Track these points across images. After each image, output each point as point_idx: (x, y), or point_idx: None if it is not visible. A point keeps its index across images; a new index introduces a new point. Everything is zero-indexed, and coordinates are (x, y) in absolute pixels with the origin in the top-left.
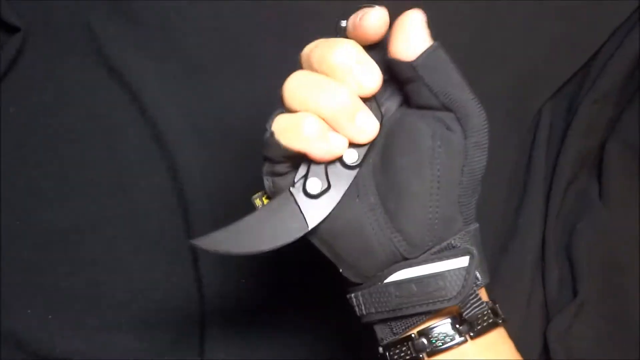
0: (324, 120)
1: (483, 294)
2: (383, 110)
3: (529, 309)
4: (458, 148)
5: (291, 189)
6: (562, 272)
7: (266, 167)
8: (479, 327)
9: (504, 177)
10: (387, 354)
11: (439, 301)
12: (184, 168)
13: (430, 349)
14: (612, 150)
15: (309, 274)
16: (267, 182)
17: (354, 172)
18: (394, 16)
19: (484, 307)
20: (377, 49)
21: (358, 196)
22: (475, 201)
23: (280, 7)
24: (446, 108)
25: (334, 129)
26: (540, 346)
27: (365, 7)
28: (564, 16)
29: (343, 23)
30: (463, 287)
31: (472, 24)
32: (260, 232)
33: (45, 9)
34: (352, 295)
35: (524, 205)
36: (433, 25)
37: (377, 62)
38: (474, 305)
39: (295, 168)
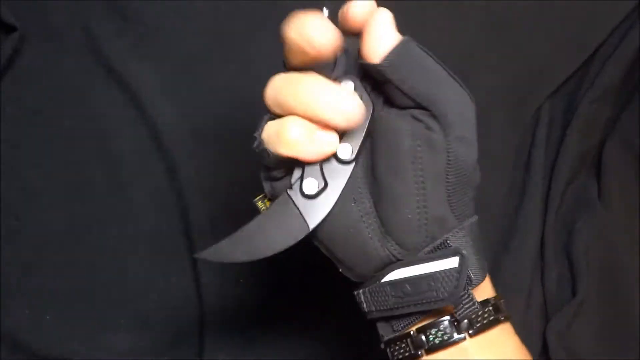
0: (310, 119)
1: (487, 290)
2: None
3: (528, 308)
4: (439, 146)
5: (288, 191)
6: (561, 272)
7: (263, 173)
8: (478, 325)
9: (503, 177)
10: (387, 350)
11: (431, 301)
12: (183, 168)
13: (428, 346)
14: (611, 149)
15: (308, 274)
16: (267, 186)
17: (350, 167)
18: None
19: (476, 307)
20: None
21: (355, 201)
22: (472, 196)
23: (279, 7)
24: (422, 107)
25: (321, 126)
26: (539, 345)
27: None
28: (563, 15)
29: (325, 12)
30: (455, 287)
31: (471, 24)
32: (263, 237)
33: (43, 9)
34: (357, 292)
35: (523, 205)
36: (433, 26)
37: None
38: (466, 306)
39: (291, 171)
